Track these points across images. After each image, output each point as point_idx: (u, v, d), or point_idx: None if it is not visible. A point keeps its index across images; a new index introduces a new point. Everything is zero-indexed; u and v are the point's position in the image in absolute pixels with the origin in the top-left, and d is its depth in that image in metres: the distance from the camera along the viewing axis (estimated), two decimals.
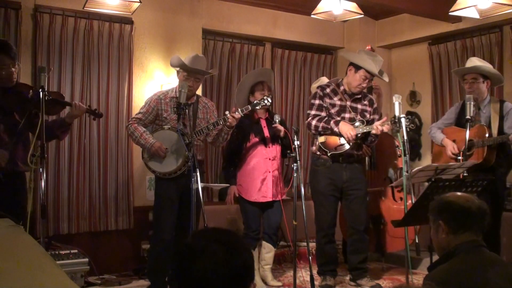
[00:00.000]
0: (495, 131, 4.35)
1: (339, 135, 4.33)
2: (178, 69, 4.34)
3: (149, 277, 4.35)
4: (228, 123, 4.16)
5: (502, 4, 4.20)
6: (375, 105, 4.60)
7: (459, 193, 2.31)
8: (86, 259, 4.44)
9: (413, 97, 6.74)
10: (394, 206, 5.09)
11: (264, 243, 4.66)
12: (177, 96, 4.00)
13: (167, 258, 4.03)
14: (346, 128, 4.28)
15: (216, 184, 5.76)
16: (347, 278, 4.74)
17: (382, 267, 5.20)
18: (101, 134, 5.09)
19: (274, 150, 4.59)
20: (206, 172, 5.77)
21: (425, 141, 6.46)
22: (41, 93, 3.19)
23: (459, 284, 2.03)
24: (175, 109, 3.93)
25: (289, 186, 4.67)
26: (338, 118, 4.39)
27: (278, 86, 6.46)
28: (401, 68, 6.75)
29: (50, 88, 4.50)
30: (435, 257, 2.43)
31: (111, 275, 4.91)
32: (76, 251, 4.49)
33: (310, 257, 3.97)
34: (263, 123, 4.66)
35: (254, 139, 4.58)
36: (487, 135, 4.33)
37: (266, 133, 4.61)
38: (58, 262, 3.99)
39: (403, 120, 3.98)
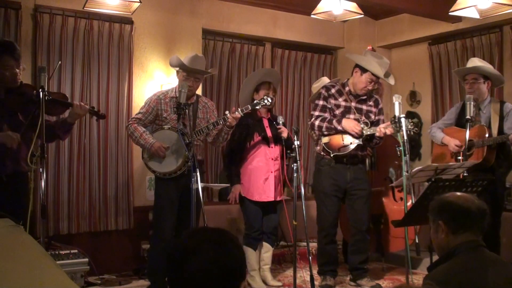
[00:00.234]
0: (495, 131, 4.36)
1: (344, 133, 4.32)
2: (177, 69, 4.34)
3: (149, 277, 4.35)
4: (228, 123, 4.16)
5: (502, 4, 4.20)
6: (380, 106, 4.59)
7: (459, 193, 2.31)
8: (86, 259, 4.43)
9: (413, 97, 6.74)
10: (394, 206, 5.09)
11: (262, 242, 4.66)
12: (177, 96, 4.00)
13: None
14: (351, 125, 4.27)
15: (216, 184, 5.76)
16: (347, 278, 4.74)
17: (382, 267, 5.20)
18: (101, 134, 5.09)
19: (277, 150, 4.59)
20: (206, 172, 5.77)
21: (425, 141, 6.46)
22: (41, 93, 3.20)
23: (459, 284, 2.03)
24: (175, 109, 3.94)
25: (289, 186, 4.66)
26: (340, 117, 4.39)
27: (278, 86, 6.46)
28: (401, 68, 6.75)
29: (50, 88, 4.49)
30: (435, 257, 2.43)
31: (111, 275, 4.91)
32: (76, 251, 4.49)
33: (310, 257, 3.97)
34: (266, 122, 4.66)
35: (257, 138, 4.58)
36: (487, 135, 4.33)
37: (269, 133, 4.61)
38: (58, 262, 3.99)
39: (403, 120, 3.99)
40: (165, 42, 5.45)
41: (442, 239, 2.21)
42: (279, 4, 6.24)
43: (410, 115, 6.39)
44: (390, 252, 5.22)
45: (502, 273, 2.07)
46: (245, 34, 6.18)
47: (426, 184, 3.88)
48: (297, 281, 4.16)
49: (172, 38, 5.49)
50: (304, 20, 6.40)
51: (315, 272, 4.36)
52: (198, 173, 3.67)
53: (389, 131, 4.20)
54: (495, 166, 4.36)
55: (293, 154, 3.99)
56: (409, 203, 3.86)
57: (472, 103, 4.22)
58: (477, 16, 4.44)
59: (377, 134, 4.25)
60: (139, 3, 4.25)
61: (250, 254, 4.54)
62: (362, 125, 4.32)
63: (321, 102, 4.47)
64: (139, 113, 4.33)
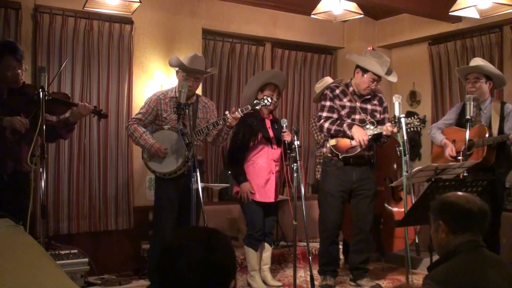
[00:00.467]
0: (495, 131, 4.36)
1: (352, 138, 4.32)
2: (177, 69, 4.34)
3: (149, 277, 4.35)
4: (228, 123, 4.16)
5: (502, 4, 4.20)
6: (385, 104, 4.59)
7: (460, 193, 2.30)
8: (86, 259, 4.43)
9: (413, 97, 6.75)
10: (394, 207, 5.09)
11: (264, 243, 4.66)
12: (177, 96, 4.00)
13: None
14: (359, 133, 4.27)
15: (216, 184, 5.76)
16: (347, 278, 4.74)
17: (382, 267, 5.20)
18: (101, 134, 5.09)
19: (278, 152, 4.59)
20: (206, 172, 5.77)
21: (425, 141, 6.47)
22: (41, 93, 3.20)
23: (459, 284, 2.03)
24: (175, 109, 3.93)
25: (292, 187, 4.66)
26: (349, 121, 4.38)
27: None
28: (401, 68, 6.74)
29: (50, 89, 4.49)
30: (435, 257, 2.43)
31: (111, 275, 4.91)
32: (76, 251, 4.48)
33: (310, 257, 3.97)
34: (268, 123, 4.66)
35: (261, 138, 4.57)
36: (487, 135, 4.33)
37: (271, 133, 4.61)
38: (58, 262, 3.99)
39: (403, 120, 3.99)
40: (165, 42, 5.45)
41: (442, 239, 2.21)
42: (279, 4, 6.24)
43: (410, 115, 6.37)
44: (390, 252, 5.22)
45: (502, 273, 2.07)
46: (245, 34, 6.19)
47: (426, 184, 3.88)
48: (297, 281, 4.16)
49: (172, 38, 5.49)
50: (304, 20, 6.40)
51: (315, 272, 4.36)
52: (198, 173, 3.67)
53: (396, 129, 4.19)
54: (495, 166, 4.36)
55: (293, 154, 3.99)
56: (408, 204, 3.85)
57: (472, 103, 4.22)
58: (477, 16, 4.44)
59: (384, 133, 4.25)
60: (139, 3, 4.24)
61: (252, 254, 4.54)
62: (368, 125, 4.32)
63: (328, 103, 4.46)
64: (139, 113, 4.33)
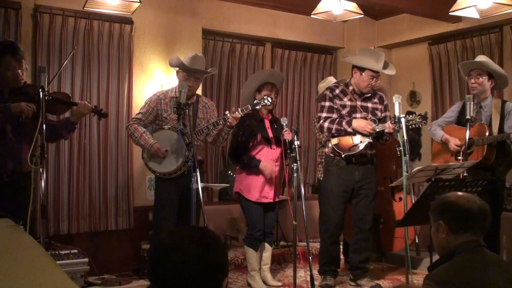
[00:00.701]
0: (495, 130, 4.35)
1: (353, 134, 4.32)
2: (177, 69, 4.34)
3: (149, 277, 4.34)
4: (228, 123, 4.16)
5: (502, 4, 4.20)
6: (385, 102, 4.59)
7: (460, 193, 2.30)
8: (86, 259, 4.43)
9: (413, 97, 6.75)
10: (394, 206, 5.09)
11: (264, 243, 4.66)
12: (177, 96, 4.00)
13: None
14: (362, 124, 4.27)
15: (216, 184, 5.76)
16: (348, 278, 4.74)
17: (382, 267, 5.20)
18: (101, 134, 5.09)
19: (278, 152, 4.59)
20: (206, 172, 5.77)
21: (425, 141, 6.47)
22: (41, 93, 3.20)
23: (459, 284, 2.02)
24: (175, 109, 3.93)
25: (292, 187, 4.66)
26: (349, 119, 4.39)
27: None
28: (401, 68, 6.75)
29: (50, 89, 4.50)
30: (435, 257, 2.43)
31: (111, 275, 4.90)
32: (76, 251, 4.48)
33: (310, 257, 3.97)
34: (267, 123, 4.65)
35: (260, 138, 4.57)
36: (487, 133, 4.33)
37: (270, 134, 4.61)
38: (58, 262, 3.98)
39: (403, 120, 3.99)
40: (165, 42, 5.45)
41: (442, 239, 2.21)
42: (279, 4, 6.24)
43: (409, 115, 6.38)
44: (390, 252, 5.22)
45: (502, 273, 2.07)
46: (245, 34, 6.19)
47: (426, 184, 3.88)
48: (297, 281, 4.17)
49: (172, 38, 5.49)
50: (304, 20, 6.40)
51: (315, 272, 4.36)
52: (198, 173, 3.67)
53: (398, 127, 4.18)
54: (495, 164, 4.36)
55: (293, 154, 3.99)
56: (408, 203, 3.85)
57: (472, 103, 4.22)
58: (477, 16, 4.44)
59: (387, 130, 4.25)
60: (139, 3, 4.25)
61: (252, 254, 4.53)
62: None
63: (327, 104, 4.47)
64: (139, 113, 4.33)
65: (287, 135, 4.31)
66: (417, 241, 4.00)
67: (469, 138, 4.16)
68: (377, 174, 4.79)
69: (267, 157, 4.53)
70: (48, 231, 4.74)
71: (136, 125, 4.24)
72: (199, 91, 4.73)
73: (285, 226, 5.70)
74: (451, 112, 4.77)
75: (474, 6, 4.27)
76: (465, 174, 4.08)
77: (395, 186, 4.78)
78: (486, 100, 4.48)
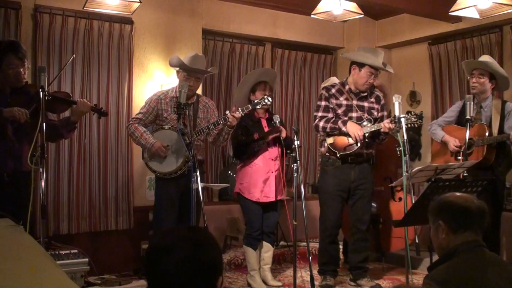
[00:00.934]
0: (495, 130, 4.36)
1: (348, 135, 4.33)
2: (177, 69, 4.34)
3: None
4: (228, 123, 4.16)
5: (502, 4, 4.20)
6: (382, 102, 4.59)
7: (458, 193, 2.31)
8: (86, 259, 4.43)
9: (413, 97, 6.74)
10: (394, 206, 5.09)
11: (262, 242, 4.66)
12: (178, 96, 4.00)
13: None
14: (354, 128, 4.28)
15: (216, 184, 5.75)
16: (347, 278, 4.74)
17: (382, 267, 5.20)
18: (101, 134, 5.09)
19: (276, 150, 4.59)
20: (206, 172, 5.77)
21: (425, 141, 6.47)
22: (41, 93, 3.20)
23: (459, 284, 2.03)
24: (175, 109, 3.93)
25: (291, 187, 4.66)
26: (345, 118, 4.39)
27: (278, 86, 6.46)
28: (401, 68, 6.75)
29: (50, 89, 4.50)
30: (435, 257, 2.43)
31: (111, 275, 4.91)
32: (76, 251, 4.48)
33: (310, 257, 3.97)
34: (264, 123, 4.65)
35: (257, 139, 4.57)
36: (487, 134, 4.33)
37: None
38: (58, 262, 3.98)
39: (403, 120, 3.99)
40: (165, 42, 5.45)
41: (442, 239, 2.21)
42: (279, 4, 6.24)
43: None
44: (390, 252, 5.22)
45: (502, 273, 2.07)
46: (245, 34, 6.19)
47: (426, 184, 3.88)
48: (297, 281, 4.16)
49: (172, 38, 5.49)
50: (304, 20, 6.40)
51: (315, 272, 4.36)
52: (198, 173, 3.67)
53: (393, 126, 4.18)
54: (494, 164, 4.36)
55: (293, 154, 3.99)
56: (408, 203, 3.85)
57: (472, 102, 4.23)
58: (477, 16, 4.44)
59: (382, 129, 4.25)
60: (139, 3, 4.25)
61: (251, 254, 4.54)
62: (365, 123, 4.33)
63: (323, 103, 4.48)
64: (139, 113, 4.33)
65: (281, 132, 4.33)
66: (417, 241, 4.00)
67: (469, 139, 4.16)
68: (377, 174, 4.79)
69: (265, 156, 4.53)
70: (48, 231, 4.74)
71: (136, 124, 4.24)
72: (199, 91, 4.73)
73: (285, 226, 5.70)
74: (451, 112, 4.77)
75: (474, 6, 4.27)
76: (465, 174, 4.07)
77: (395, 186, 4.78)
78: (486, 100, 4.49)
